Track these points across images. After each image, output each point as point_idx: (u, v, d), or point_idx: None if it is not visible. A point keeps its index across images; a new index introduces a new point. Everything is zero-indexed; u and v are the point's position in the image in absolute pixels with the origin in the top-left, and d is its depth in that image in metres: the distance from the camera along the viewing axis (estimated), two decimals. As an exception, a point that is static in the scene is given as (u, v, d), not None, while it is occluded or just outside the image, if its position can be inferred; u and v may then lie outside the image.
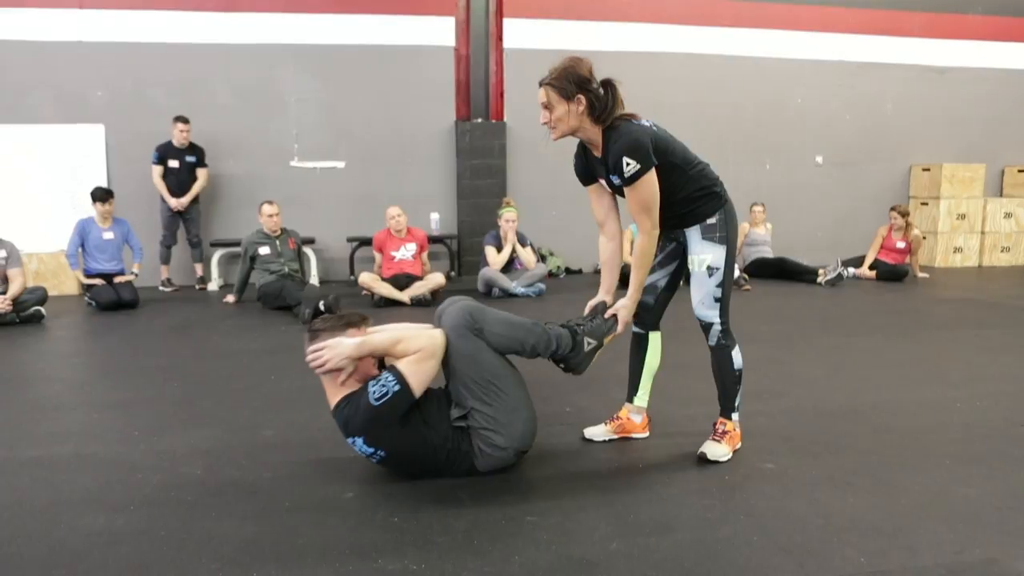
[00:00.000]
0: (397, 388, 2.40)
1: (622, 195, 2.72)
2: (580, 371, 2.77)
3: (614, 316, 2.79)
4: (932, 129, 9.71)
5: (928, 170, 9.51)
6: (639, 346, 2.97)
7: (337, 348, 2.43)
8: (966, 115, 9.76)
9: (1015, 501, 2.42)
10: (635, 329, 2.95)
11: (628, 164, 2.52)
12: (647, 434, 3.03)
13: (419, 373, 2.43)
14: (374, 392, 2.40)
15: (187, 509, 2.37)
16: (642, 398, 3.00)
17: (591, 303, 2.86)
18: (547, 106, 2.59)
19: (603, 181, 2.76)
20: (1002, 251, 9.60)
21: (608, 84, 2.60)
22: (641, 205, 2.59)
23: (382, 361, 2.58)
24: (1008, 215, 9.57)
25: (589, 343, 2.73)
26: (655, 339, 2.95)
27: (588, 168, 2.80)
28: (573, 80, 2.55)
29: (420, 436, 2.48)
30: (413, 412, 2.47)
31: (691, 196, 2.68)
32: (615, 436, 3.00)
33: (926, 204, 9.49)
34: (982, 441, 2.99)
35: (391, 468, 2.59)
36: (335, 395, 2.51)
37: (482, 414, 2.52)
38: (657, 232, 2.67)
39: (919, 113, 9.64)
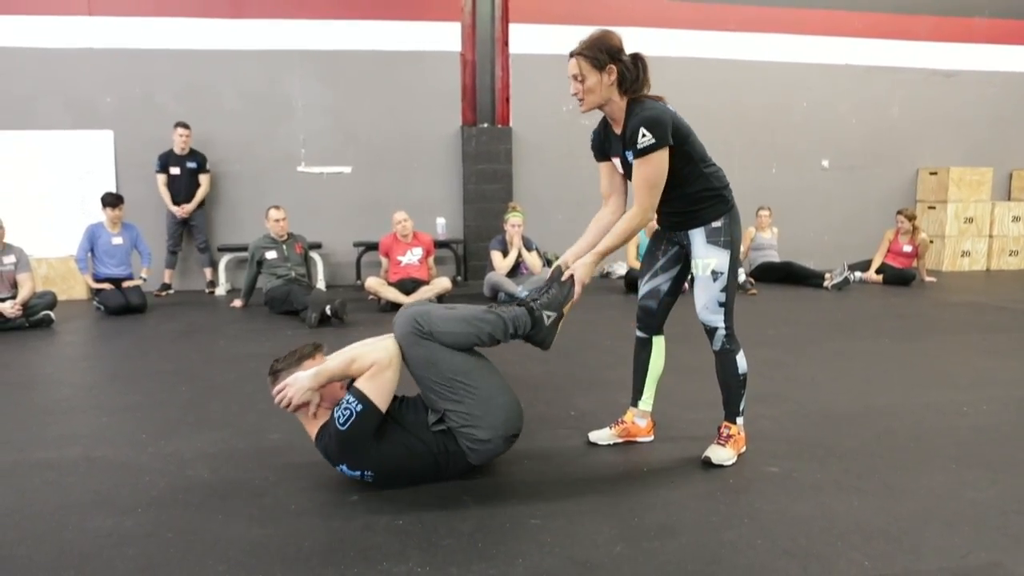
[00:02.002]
0: (360, 408, 2.40)
1: (630, 178, 2.70)
2: (547, 345, 2.72)
3: (571, 280, 2.72)
4: (939, 132, 9.68)
5: (935, 174, 9.48)
6: (643, 350, 2.96)
7: (296, 384, 2.45)
8: (973, 118, 9.73)
9: (1020, 505, 2.41)
10: (639, 334, 2.96)
11: (644, 135, 2.51)
12: (651, 438, 3.04)
13: (378, 388, 2.43)
14: (339, 417, 2.42)
15: (194, 511, 2.39)
16: (646, 402, 3.00)
17: (553, 266, 2.81)
18: (578, 77, 2.59)
19: (617, 161, 2.75)
20: (1010, 255, 9.56)
21: (638, 57, 2.62)
22: (646, 180, 2.57)
23: (352, 383, 2.55)
24: (1016, 219, 9.53)
25: (548, 316, 2.67)
26: (659, 343, 2.96)
27: (604, 145, 2.80)
28: (605, 50, 2.56)
29: (403, 447, 2.49)
30: (388, 426, 2.48)
31: (700, 195, 2.68)
32: (620, 440, 3.00)
33: (933, 208, 9.46)
34: (988, 445, 2.98)
35: (384, 485, 2.56)
36: (311, 428, 2.54)
37: (456, 413, 2.51)
38: (651, 216, 2.65)
39: (926, 116, 9.62)
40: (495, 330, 2.59)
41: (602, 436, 3.02)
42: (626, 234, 2.66)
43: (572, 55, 2.61)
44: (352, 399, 2.42)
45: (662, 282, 2.88)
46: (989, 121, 9.78)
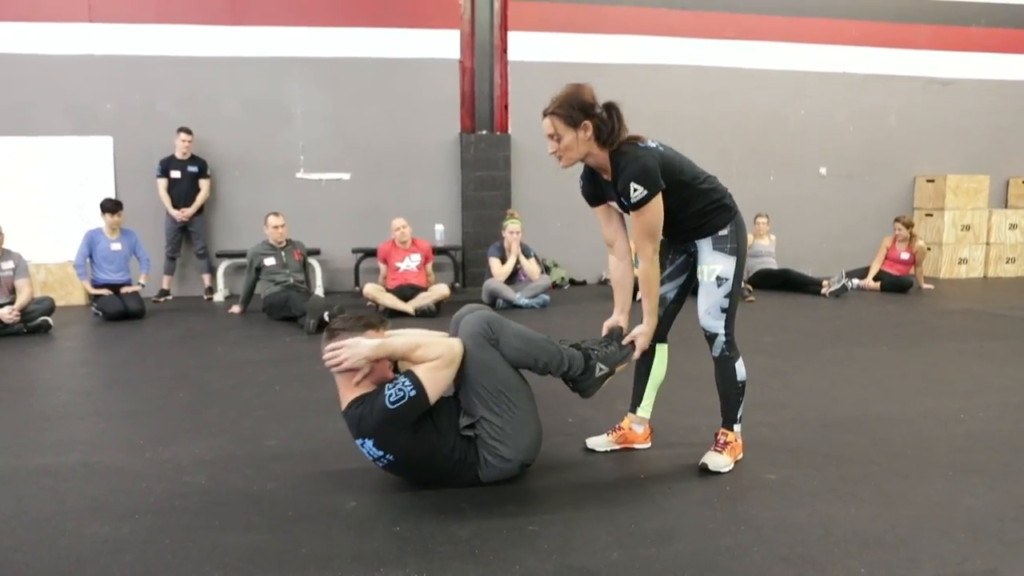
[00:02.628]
0: (414, 393, 2.41)
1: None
2: (588, 395, 2.78)
3: (631, 344, 2.80)
4: (936, 140, 9.72)
5: (932, 181, 9.51)
6: (646, 357, 2.95)
7: (355, 348, 2.44)
8: (970, 126, 9.76)
9: (1017, 512, 2.42)
10: None
11: (636, 190, 2.53)
12: (648, 445, 3.04)
13: (436, 380, 2.45)
14: (391, 395, 2.40)
15: (191, 518, 2.39)
16: (645, 409, 3.01)
17: (608, 323, 2.87)
18: (553, 136, 2.60)
19: (614, 203, 2.77)
20: (1007, 262, 9.58)
21: (611, 107, 2.61)
22: (645, 229, 2.61)
23: (396, 365, 2.60)
24: (1013, 226, 9.56)
25: (601, 369, 2.73)
26: (662, 351, 2.96)
27: (596, 191, 2.81)
28: (577, 106, 2.56)
29: (430, 443, 2.49)
30: (425, 419, 2.48)
31: (702, 210, 2.70)
32: (617, 447, 3.00)
33: (931, 215, 9.48)
34: (985, 452, 2.99)
35: (396, 473, 2.60)
36: (348, 395, 2.50)
37: (491, 424, 2.53)
38: (657, 257, 2.69)
39: (923, 124, 9.65)
40: (551, 361, 2.64)
41: (599, 443, 3.02)
42: (653, 284, 2.73)
43: (545, 114, 2.60)
44: (409, 383, 2.42)
45: (668, 290, 2.89)
46: (986, 129, 9.82)
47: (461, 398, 2.61)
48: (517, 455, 2.58)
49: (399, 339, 2.53)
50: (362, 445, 2.50)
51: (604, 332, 2.84)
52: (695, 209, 2.69)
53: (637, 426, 3.02)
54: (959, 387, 4.03)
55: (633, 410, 3.02)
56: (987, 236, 9.48)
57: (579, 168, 2.86)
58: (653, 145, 2.62)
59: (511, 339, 2.57)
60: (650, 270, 2.68)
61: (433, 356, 2.46)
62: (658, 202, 2.58)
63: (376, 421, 2.42)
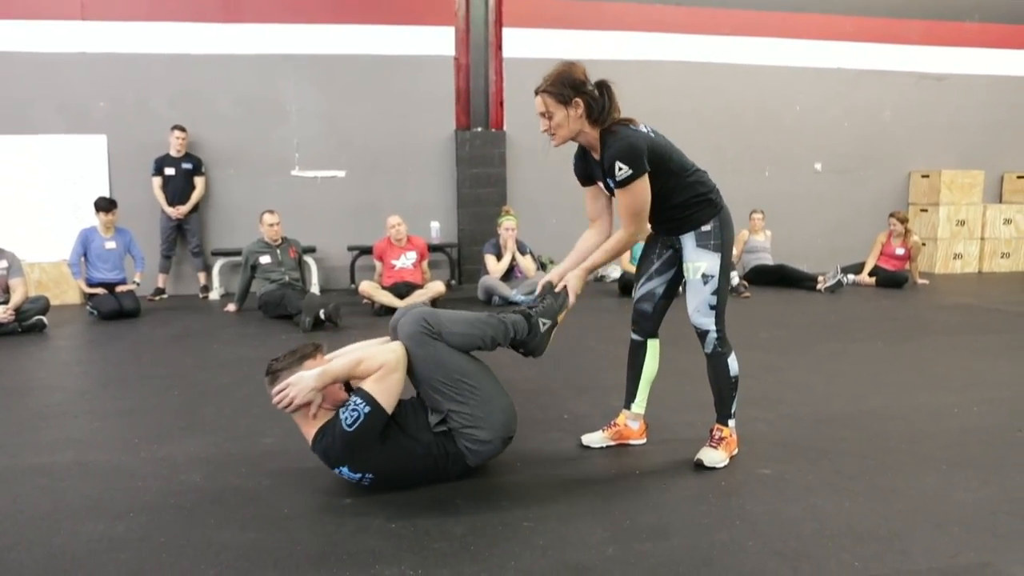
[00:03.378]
0: (368, 409, 2.40)
1: None
2: (539, 353, 2.79)
3: (564, 290, 2.79)
4: (931, 136, 9.73)
5: (927, 176, 9.53)
6: (637, 353, 2.97)
7: (299, 384, 2.41)
8: (964, 121, 9.78)
9: (1010, 505, 2.43)
10: (634, 336, 2.97)
11: (620, 168, 2.54)
12: (644, 440, 3.05)
13: (387, 390, 2.43)
14: (346, 419, 2.39)
15: (187, 516, 2.39)
16: (639, 405, 3.01)
17: (540, 281, 2.88)
18: (545, 114, 2.61)
19: (601, 184, 2.78)
20: (1002, 257, 9.61)
21: (603, 85, 2.62)
22: (630, 209, 2.61)
23: (349, 384, 2.57)
24: (1008, 221, 9.59)
25: (544, 323, 2.75)
26: (653, 346, 2.96)
27: (587, 170, 2.82)
28: (568, 84, 2.56)
29: (403, 449, 2.50)
30: (390, 428, 2.48)
31: (687, 202, 2.70)
32: (612, 443, 3.01)
33: (925, 211, 9.51)
34: (979, 446, 3.00)
35: (386, 486, 2.57)
36: (310, 430, 2.49)
37: (460, 414, 2.54)
38: (638, 238, 2.69)
39: (918, 120, 9.67)
40: (497, 334, 2.65)
41: (594, 439, 3.02)
42: (614, 252, 2.72)
43: (536, 92, 2.61)
44: (360, 401, 2.41)
45: (657, 285, 2.89)
46: (980, 124, 9.84)
47: (423, 397, 2.61)
48: (495, 434, 2.58)
49: (339, 361, 2.51)
50: (340, 473, 2.50)
51: (537, 290, 2.85)
52: (679, 201, 2.69)
53: (632, 422, 3.02)
54: (953, 382, 4.05)
55: (627, 406, 3.02)
56: (982, 231, 9.51)
57: (571, 167, 2.87)
58: (644, 130, 2.62)
59: (451, 326, 2.57)
60: (624, 242, 2.68)
61: (376, 366, 2.44)
62: (644, 184, 2.57)
63: (340, 448, 2.42)
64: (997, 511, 2.39)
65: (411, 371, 2.55)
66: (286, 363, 2.50)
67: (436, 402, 2.55)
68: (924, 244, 8.98)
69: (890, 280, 7.98)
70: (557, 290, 2.79)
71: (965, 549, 2.14)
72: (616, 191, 2.62)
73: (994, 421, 3.33)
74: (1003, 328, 5.65)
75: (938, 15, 9.54)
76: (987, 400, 3.66)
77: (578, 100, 2.56)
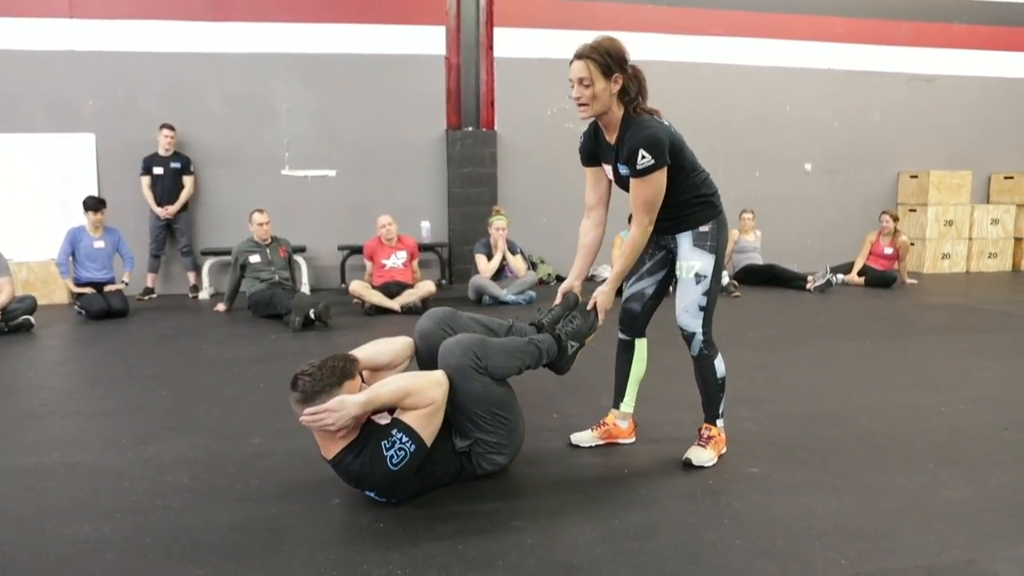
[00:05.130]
0: (414, 448, 2.34)
1: (621, 186, 2.72)
2: (564, 372, 2.86)
3: (594, 311, 2.82)
4: (919, 136, 9.79)
5: (916, 177, 9.58)
6: (625, 353, 2.98)
7: (341, 411, 2.25)
8: (953, 122, 9.84)
9: (995, 503, 2.45)
10: (621, 336, 2.97)
11: (643, 157, 2.52)
12: (633, 439, 3.05)
13: (431, 426, 2.39)
14: (391, 456, 2.30)
15: (174, 516, 2.38)
16: (628, 404, 3.01)
17: (561, 289, 2.90)
18: (584, 81, 2.52)
19: (608, 168, 2.75)
20: (989, 257, 9.68)
21: (637, 70, 2.62)
22: (645, 199, 2.60)
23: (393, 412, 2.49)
24: (995, 221, 9.65)
25: (572, 346, 2.80)
26: (641, 346, 2.97)
27: (595, 150, 2.78)
28: (615, 58, 2.54)
29: (429, 476, 2.48)
30: (424, 466, 2.44)
31: (689, 201, 2.70)
32: (601, 442, 3.01)
33: (914, 211, 9.56)
34: (965, 445, 3.02)
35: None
36: (330, 445, 2.36)
37: (487, 443, 2.57)
38: (651, 229, 2.67)
39: (907, 120, 9.72)
40: (532, 361, 2.70)
41: (584, 438, 3.03)
42: (634, 253, 2.72)
43: (580, 57, 2.53)
44: (407, 439, 2.32)
45: (647, 285, 2.89)
46: (968, 125, 9.90)
47: (454, 422, 2.56)
48: (509, 458, 2.66)
49: (386, 391, 2.35)
50: (366, 493, 2.46)
51: (558, 299, 2.87)
52: (682, 199, 2.69)
53: (621, 421, 3.03)
54: (940, 381, 4.07)
55: (616, 406, 3.03)
56: (969, 231, 9.57)
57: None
58: (667, 124, 2.62)
59: (498, 360, 2.57)
60: (639, 240, 2.67)
61: (426, 403, 2.35)
62: (662, 176, 2.57)
63: (381, 482, 2.36)
64: (983, 509, 2.41)
65: (451, 399, 2.48)
66: (324, 383, 2.29)
67: (467, 430, 2.54)
68: (913, 244, 9.03)
69: (879, 280, 8.02)
70: (588, 309, 2.80)
71: (951, 547, 2.15)
72: (633, 180, 2.59)
73: (980, 420, 3.36)
74: (990, 328, 5.69)
75: (927, 16, 9.60)
76: (974, 399, 3.68)
77: (619, 76, 2.54)
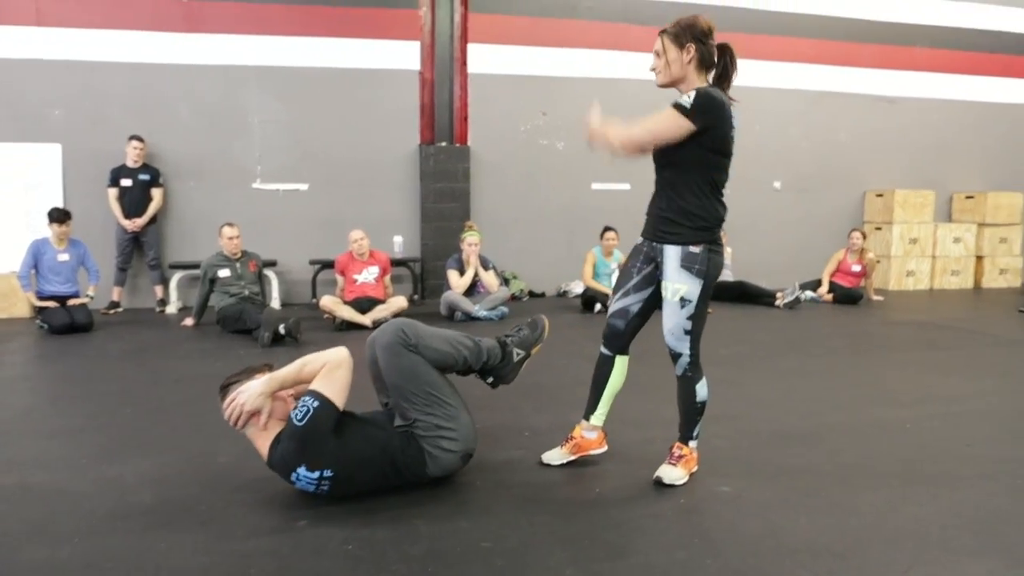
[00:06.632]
0: (317, 404, 2.45)
1: (655, 154, 2.76)
2: (508, 381, 2.87)
3: (542, 324, 2.89)
4: (884, 156, 10.01)
5: (881, 196, 9.79)
6: (604, 367, 2.93)
7: (248, 391, 2.49)
8: (916, 143, 10.08)
9: (958, 520, 2.48)
10: (603, 351, 2.94)
11: (688, 97, 2.60)
12: (604, 448, 3.02)
13: (332, 384, 2.50)
14: (296, 415, 2.45)
15: (136, 539, 2.31)
16: (599, 417, 2.98)
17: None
18: (659, 53, 2.72)
19: None
20: (952, 275, 9.89)
21: (725, 48, 2.70)
22: (651, 126, 2.65)
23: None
24: (957, 240, 9.88)
25: (518, 354, 2.83)
26: (621, 362, 2.93)
27: None
28: (687, 29, 2.66)
29: (362, 438, 2.54)
30: (346, 423, 2.53)
31: (690, 213, 2.68)
32: (573, 457, 2.98)
33: (880, 229, 9.75)
34: (930, 461, 3.07)
35: (344, 489, 2.55)
36: (264, 444, 2.54)
37: (426, 423, 2.60)
38: (630, 150, 2.71)
39: (872, 140, 9.93)
40: (471, 356, 2.74)
41: (554, 456, 2.99)
42: (611, 136, 2.72)
43: (661, 32, 2.71)
44: (308, 398, 2.47)
45: (632, 303, 2.85)
46: (930, 145, 10.14)
47: (392, 406, 2.68)
48: (458, 445, 2.65)
49: (284, 368, 2.57)
50: (297, 480, 2.49)
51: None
52: (685, 203, 2.68)
53: (589, 432, 2.98)
54: (906, 397, 4.14)
55: (587, 417, 2.98)
56: (933, 249, 9.78)
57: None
58: (735, 117, 2.67)
59: (430, 341, 2.65)
60: (624, 136, 2.69)
61: (320, 365, 2.53)
62: (680, 123, 2.59)
63: (295, 445, 2.44)
64: (947, 525, 2.44)
65: (383, 378, 2.64)
66: (235, 378, 2.59)
67: (404, 410, 2.62)
68: (879, 261, 9.21)
69: (846, 296, 8.17)
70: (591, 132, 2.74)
71: (917, 563, 2.18)
72: (660, 113, 2.63)
73: (945, 436, 3.41)
74: (953, 344, 5.81)
75: (890, 40, 9.84)
76: (938, 415, 3.75)
77: (691, 46, 2.65)
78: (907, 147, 10.04)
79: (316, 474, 2.46)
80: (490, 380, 2.83)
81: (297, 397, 2.59)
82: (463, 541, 2.30)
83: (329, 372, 2.51)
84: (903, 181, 10.00)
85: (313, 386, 2.50)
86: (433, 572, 2.11)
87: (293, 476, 2.48)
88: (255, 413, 2.50)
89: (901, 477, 2.88)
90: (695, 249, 2.68)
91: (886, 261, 9.58)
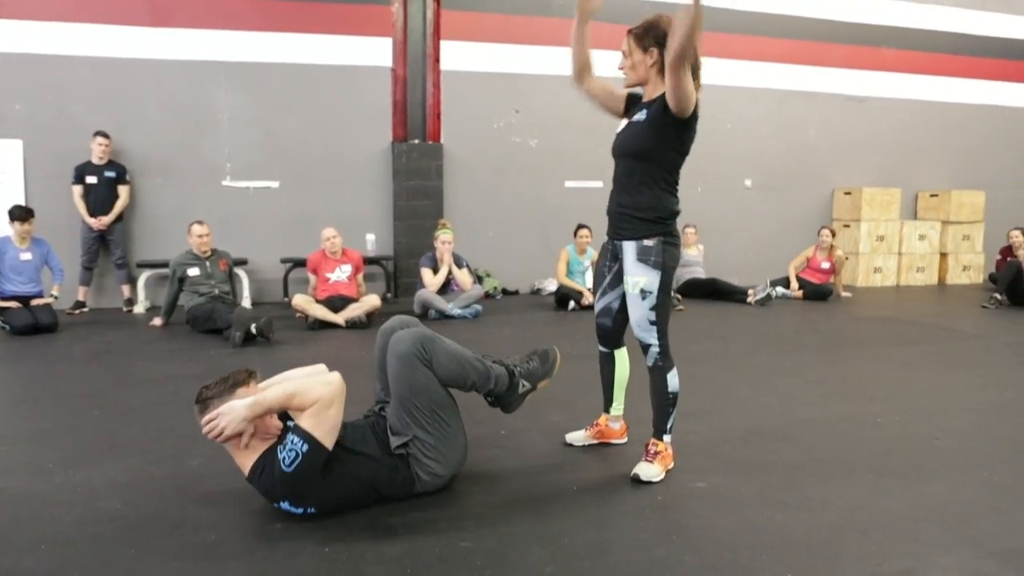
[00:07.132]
0: (306, 448, 2.32)
1: (615, 146, 2.85)
2: (510, 411, 2.86)
3: (553, 361, 2.87)
4: (852, 154, 10.17)
5: (849, 194, 9.95)
6: (606, 364, 3.10)
7: (230, 414, 2.32)
8: (882, 142, 10.26)
9: (929, 512, 2.53)
10: (601, 349, 3.08)
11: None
12: (624, 440, 3.17)
13: (322, 424, 2.35)
14: (284, 458, 2.32)
15: (105, 546, 2.26)
16: (617, 408, 3.13)
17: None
18: (625, 53, 2.77)
19: (624, 121, 2.87)
20: (917, 271, 10.09)
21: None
22: (684, 72, 2.54)
23: (288, 416, 2.50)
24: (922, 237, 10.08)
25: (524, 386, 2.80)
26: (621, 355, 3.08)
27: (630, 109, 2.90)
28: (652, 33, 2.69)
29: (349, 475, 2.44)
30: (336, 459, 2.42)
31: (644, 204, 2.75)
32: (594, 441, 3.14)
33: (848, 226, 9.91)
34: (901, 455, 3.12)
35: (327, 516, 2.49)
36: (245, 461, 2.40)
37: (424, 443, 2.54)
38: (683, 64, 2.53)
39: (841, 139, 10.09)
40: (479, 379, 2.69)
41: (577, 437, 3.17)
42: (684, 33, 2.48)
43: (628, 32, 2.77)
44: (297, 439, 2.33)
45: (612, 300, 2.97)
46: (897, 145, 10.34)
47: (391, 416, 2.58)
48: (448, 470, 2.62)
49: (273, 391, 2.39)
50: (279, 506, 2.42)
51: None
52: (641, 198, 2.75)
53: (613, 423, 3.16)
54: (875, 392, 4.21)
55: (607, 410, 3.14)
56: (899, 246, 9.97)
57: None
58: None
59: (443, 359, 2.58)
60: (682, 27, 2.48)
61: (311, 401, 2.35)
62: (692, 96, 2.60)
63: (282, 487, 2.36)
64: (918, 518, 2.48)
65: (391, 389, 2.57)
66: (217, 391, 2.40)
67: (405, 425, 2.54)
68: (847, 258, 9.36)
69: (816, 293, 8.29)
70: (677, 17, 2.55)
71: (890, 556, 2.21)
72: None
73: (913, 430, 3.48)
74: (920, 340, 5.92)
75: (858, 41, 10.00)
76: (907, 410, 3.82)
77: (654, 50, 2.68)
78: (874, 146, 10.22)
79: (300, 509, 2.41)
80: (490, 400, 2.81)
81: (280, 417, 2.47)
82: (441, 542, 2.29)
83: (321, 411, 2.34)
84: (870, 179, 10.17)
85: (303, 423, 2.35)
86: (412, 573, 2.09)
87: (276, 504, 2.42)
88: (236, 436, 2.36)
89: (873, 471, 2.92)
90: (649, 242, 2.76)
91: (854, 258, 9.74)
